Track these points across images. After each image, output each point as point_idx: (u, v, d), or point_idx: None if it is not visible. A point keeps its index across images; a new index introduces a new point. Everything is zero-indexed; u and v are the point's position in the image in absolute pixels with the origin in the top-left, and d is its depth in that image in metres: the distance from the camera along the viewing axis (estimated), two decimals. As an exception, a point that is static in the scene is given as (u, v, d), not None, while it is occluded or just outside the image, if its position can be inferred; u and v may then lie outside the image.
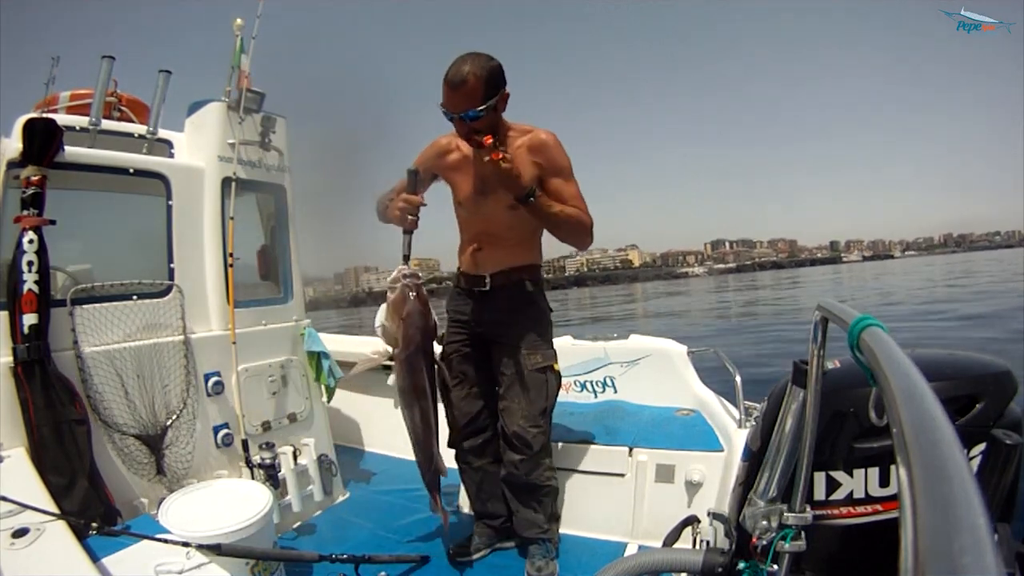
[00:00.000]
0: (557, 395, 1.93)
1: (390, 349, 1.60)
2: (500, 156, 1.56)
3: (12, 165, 1.77)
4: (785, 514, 1.02)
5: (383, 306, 1.57)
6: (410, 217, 1.65)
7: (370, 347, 3.15)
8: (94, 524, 1.32)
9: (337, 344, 2.94)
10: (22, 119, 1.78)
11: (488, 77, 1.59)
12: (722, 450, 2.03)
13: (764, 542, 1.04)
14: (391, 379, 1.65)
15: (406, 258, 1.65)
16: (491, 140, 1.57)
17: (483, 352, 1.94)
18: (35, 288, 1.69)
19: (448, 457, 1.87)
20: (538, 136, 1.73)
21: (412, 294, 1.55)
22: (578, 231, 1.76)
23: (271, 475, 2.11)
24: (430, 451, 1.70)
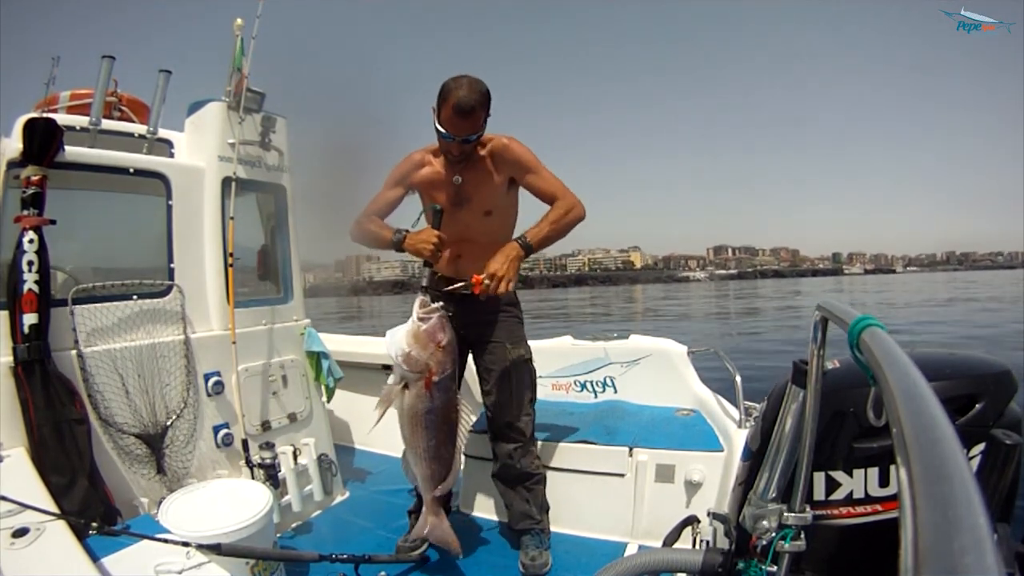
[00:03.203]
0: (537, 385, 2.06)
1: (402, 368, 1.59)
2: (480, 287, 1.70)
3: (12, 165, 1.77)
4: (785, 514, 1.02)
5: (399, 333, 1.58)
6: (438, 252, 1.74)
7: (368, 347, 3.16)
8: (94, 524, 1.33)
9: (337, 344, 2.94)
10: (22, 119, 1.78)
11: (486, 103, 1.72)
12: (722, 450, 2.04)
13: (764, 542, 1.04)
14: (391, 379, 1.66)
15: (424, 289, 1.71)
16: (479, 287, 1.71)
17: (460, 354, 1.94)
18: (35, 288, 1.69)
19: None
20: (499, 143, 1.84)
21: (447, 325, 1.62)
22: (569, 220, 1.82)
23: (271, 475, 2.11)
24: (448, 466, 1.70)
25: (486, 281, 1.70)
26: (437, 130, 1.74)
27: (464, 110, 1.67)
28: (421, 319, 1.58)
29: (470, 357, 2.04)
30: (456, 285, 1.72)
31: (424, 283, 1.74)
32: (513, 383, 1.96)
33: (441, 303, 1.64)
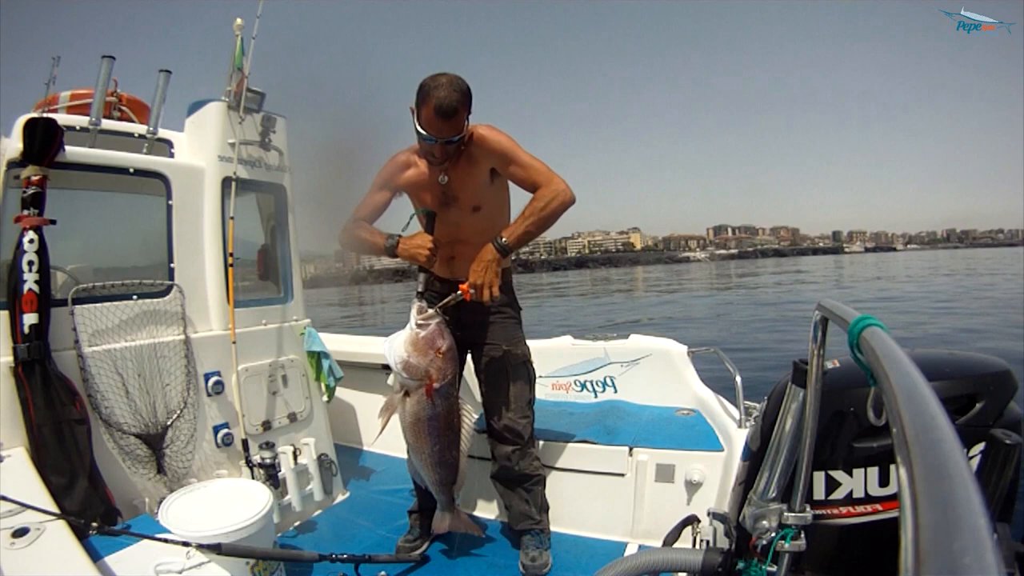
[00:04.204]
0: (536, 386, 2.04)
1: (402, 376, 1.61)
2: (470, 295, 1.69)
3: (12, 165, 1.77)
4: (785, 514, 1.02)
5: (397, 340, 1.59)
6: (433, 257, 1.73)
7: (369, 346, 3.16)
8: (94, 524, 1.33)
9: (337, 344, 2.94)
10: (22, 119, 1.78)
11: (467, 103, 1.66)
12: (722, 450, 2.04)
13: (764, 542, 1.04)
14: (391, 379, 1.66)
15: (421, 295, 1.72)
16: (467, 292, 1.70)
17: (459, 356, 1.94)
18: (35, 288, 1.69)
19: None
20: (476, 134, 1.75)
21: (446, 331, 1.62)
22: (551, 210, 1.70)
23: (271, 475, 2.11)
24: (455, 470, 1.72)
25: (471, 291, 1.69)
26: (418, 132, 1.67)
27: (446, 111, 1.59)
28: (419, 326, 1.58)
29: (468, 358, 2.04)
30: (446, 300, 1.70)
31: (420, 289, 1.74)
32: (511, 385, 1.94)
33: (439, 309, 1.64)
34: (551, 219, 1.71)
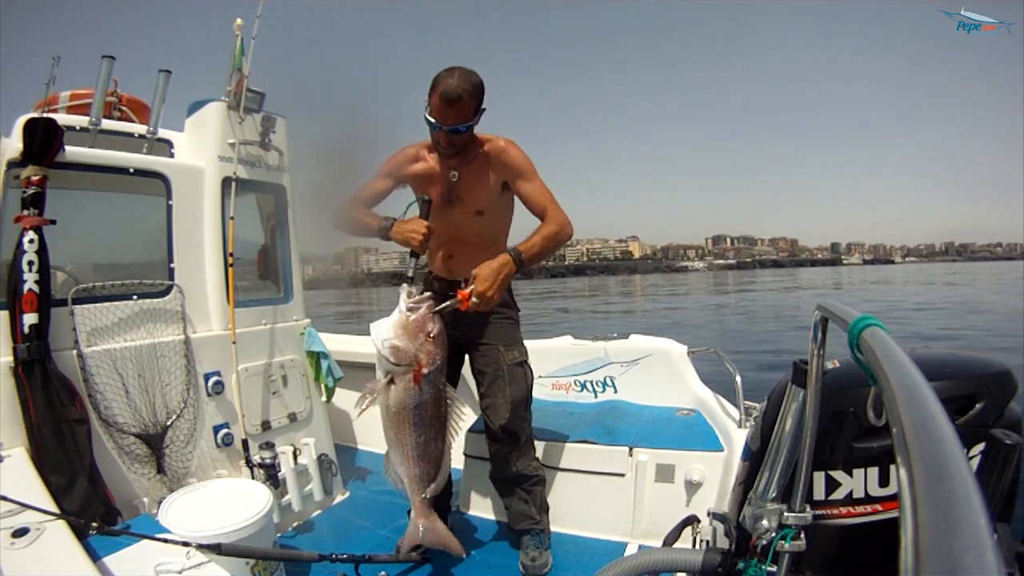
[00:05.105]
0: (533, 387, 2.02)
1: (388, 361, 1.52)
2: (468, 303, 1.61)
3: (12, 165, 1.77)
4: (785, 514, 1.02)
5: (385, 324, 1.53)
6: (425, 242, 1.71)
7: (368, 346, 3.16)
8: (94, 524, 1.33)
9: (337, 344, 2.94)
10: (22, 119, 1.78)
11: (476, 94, 1.69)
12: (722, 450, 2.04)
13: (764, 542, 1.04)
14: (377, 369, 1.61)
15: (411, 280, 1.66)
16: (466, 300, 1.61)
17: (455, 355, 1.91)
18: (35, 288, 1.69)
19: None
20: (497, 145, 1.82)
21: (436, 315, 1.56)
22: (560, 239, 1.80)
23: (271, 475, 2.11)
24: (438, 465, 1.64)
25: (474, 300, 1.61)
26: (426, 120, 1.71)
27: (451, 98, 1.63)
28: (410, 309, 1.51)
29: (466, 358, 2.03)
30: (443, 306, 1.60)
31: (410, 274, 1.69)
32: (507, 386, 1.93)
33: (430, 293, 1.59)
34: (557, 246, 1.81)
